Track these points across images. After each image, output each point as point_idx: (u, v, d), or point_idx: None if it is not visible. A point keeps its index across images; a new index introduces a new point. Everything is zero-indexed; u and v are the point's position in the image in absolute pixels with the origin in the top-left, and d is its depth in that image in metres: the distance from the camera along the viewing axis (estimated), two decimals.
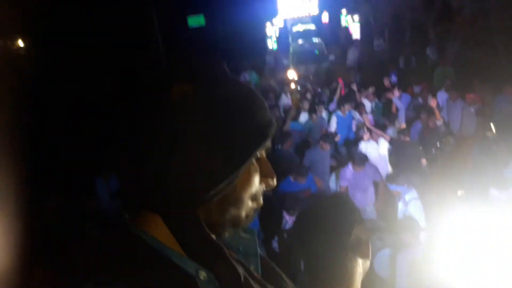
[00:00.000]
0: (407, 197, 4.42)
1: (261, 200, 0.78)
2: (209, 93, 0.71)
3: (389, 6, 14.37)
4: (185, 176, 0.68)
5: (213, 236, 0.72)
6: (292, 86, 9.58)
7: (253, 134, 0.73)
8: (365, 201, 5.19)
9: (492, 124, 6.56)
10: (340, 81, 9.30)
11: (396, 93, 7.67)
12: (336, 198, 1.37)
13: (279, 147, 6.08)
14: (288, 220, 4.51)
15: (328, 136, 6.14)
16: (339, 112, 7.30)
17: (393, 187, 4.59)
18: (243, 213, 0.75)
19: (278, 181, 0.80)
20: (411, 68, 12.62)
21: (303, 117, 7.74)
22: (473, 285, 2.25)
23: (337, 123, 7.13)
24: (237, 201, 0.74)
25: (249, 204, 0.76)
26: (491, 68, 10.25)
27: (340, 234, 1.17)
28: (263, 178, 0.78)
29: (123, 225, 0.74)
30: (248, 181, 0.75)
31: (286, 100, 9.00)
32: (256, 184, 0.76)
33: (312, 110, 7.66)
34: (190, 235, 0.71)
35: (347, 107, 7.31)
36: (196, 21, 22.46)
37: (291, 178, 5.12)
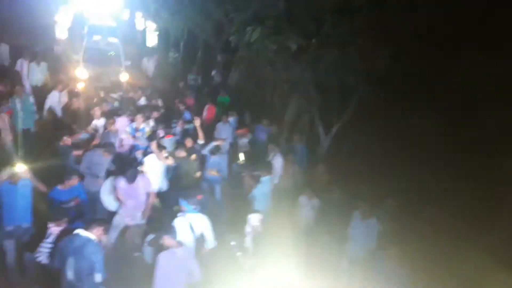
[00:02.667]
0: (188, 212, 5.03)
1: None
2: None
3: (185, 22, 15.40)
4: None
5: None
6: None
7: None
8: (136, 208, 5.86)
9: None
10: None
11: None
12: None
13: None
14: (53, 231, 4.60)
15: (110, 146, 6.65)
16: (133, 124, 7.95)
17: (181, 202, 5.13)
18: None
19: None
20: (198, 87, 14.06)
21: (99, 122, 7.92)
22: None
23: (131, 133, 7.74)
24: None
25: None
26: (260, 101, 12.45)
27: None
28: None
29: None
30: None
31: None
32: None
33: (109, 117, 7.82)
34: None
35: (140, 119, 7.96)
36: None
37: (59, 187, 5.36)
